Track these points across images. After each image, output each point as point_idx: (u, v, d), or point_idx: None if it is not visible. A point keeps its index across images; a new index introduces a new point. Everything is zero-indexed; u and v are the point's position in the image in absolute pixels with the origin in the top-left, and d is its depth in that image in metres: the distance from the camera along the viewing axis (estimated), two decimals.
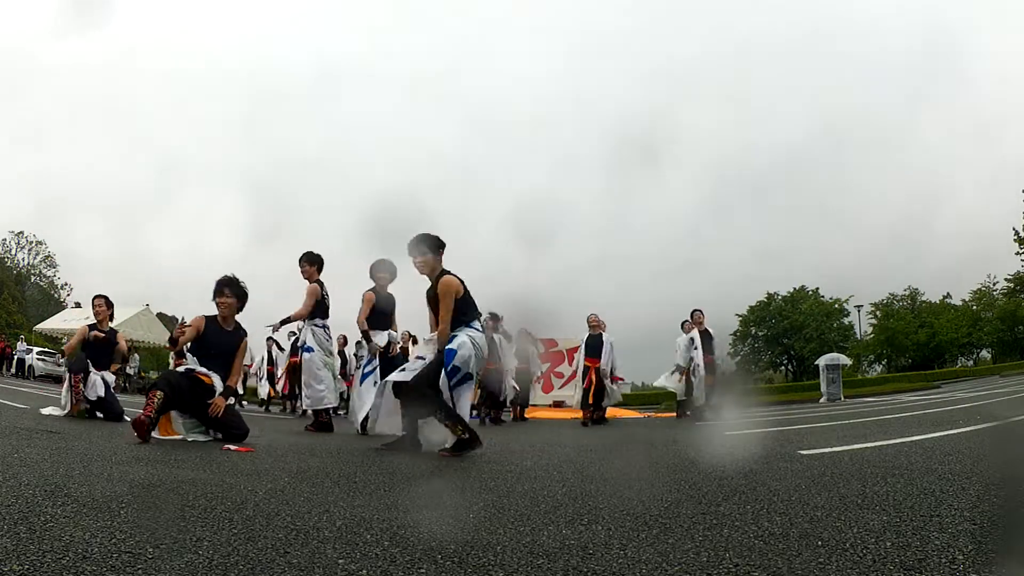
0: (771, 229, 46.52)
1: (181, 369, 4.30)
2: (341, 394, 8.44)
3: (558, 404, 14.23)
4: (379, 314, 5.53)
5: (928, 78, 52.15)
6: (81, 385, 5.74)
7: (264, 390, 13.01)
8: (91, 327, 6.15)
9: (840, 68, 56.05)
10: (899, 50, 54.22)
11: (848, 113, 51.46)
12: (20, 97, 51.24)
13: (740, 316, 42.22)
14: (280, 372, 12.12)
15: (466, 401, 3.81)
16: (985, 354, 38.07)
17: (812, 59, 58.85)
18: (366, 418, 4.86)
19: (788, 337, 41.36)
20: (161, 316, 28.68)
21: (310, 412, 6.68)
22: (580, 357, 9.11)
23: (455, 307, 3.85)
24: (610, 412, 9.89)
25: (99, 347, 6.03)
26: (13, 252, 45.25)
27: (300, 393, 7.31)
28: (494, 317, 8.12)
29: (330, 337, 6.13)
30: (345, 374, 10.04)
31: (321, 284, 5.81)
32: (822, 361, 16.19)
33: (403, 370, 3.99)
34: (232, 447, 3.78)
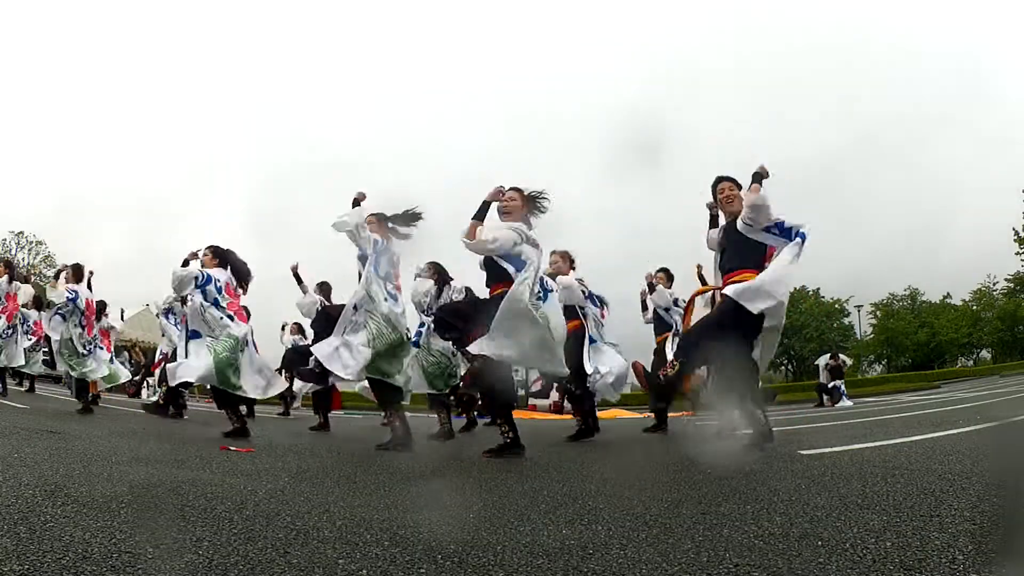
0: None
1: None
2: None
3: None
4: None
5: (944, 88, 51.69)
6: None
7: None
8: None
9: (859, 76, 55.66)
10: (922, 60, 53.79)
11: (859, 120, 51.27)
12: (28, 97, 51.16)
13: None
14: None
15: None
16: (985, 354, 38.00)
17: (835, 66, 58.38)
18: None
19: (788, 337, 41.27)
20: None
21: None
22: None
23: None
24: (612, 413, 9.70)
25: None
26: (13, 252, 45.16)
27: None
28: None
29: None
30: None
31: None
32: (822, 361, 16.14)
33: None
34: (232, 447, 3.78)
